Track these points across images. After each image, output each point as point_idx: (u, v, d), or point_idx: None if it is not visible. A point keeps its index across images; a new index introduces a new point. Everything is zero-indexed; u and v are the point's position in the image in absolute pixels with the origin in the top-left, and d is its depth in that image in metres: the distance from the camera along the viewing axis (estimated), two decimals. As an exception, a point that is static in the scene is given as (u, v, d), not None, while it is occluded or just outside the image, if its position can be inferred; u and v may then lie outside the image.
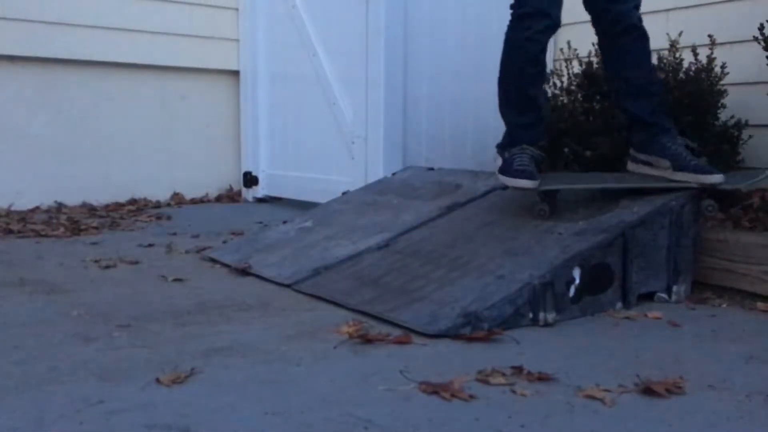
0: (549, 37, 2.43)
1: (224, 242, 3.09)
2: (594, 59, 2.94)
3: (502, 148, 2.51)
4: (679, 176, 2.30)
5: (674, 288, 2.18)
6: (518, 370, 1.56)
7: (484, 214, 2.55)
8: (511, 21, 2.43)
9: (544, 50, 2.43)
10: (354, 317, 1.99)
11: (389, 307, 2.00)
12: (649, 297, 2.17)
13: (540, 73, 2.48)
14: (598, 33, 2.53)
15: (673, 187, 2.27)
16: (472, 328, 1.82)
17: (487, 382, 1.51)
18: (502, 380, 1.52)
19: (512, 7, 2.42)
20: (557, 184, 2.42)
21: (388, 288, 2.14)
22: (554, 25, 2.39)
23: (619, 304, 2.09)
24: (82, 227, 3.41)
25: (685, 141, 2.42)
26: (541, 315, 1.93)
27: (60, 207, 3.94)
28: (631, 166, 2.54)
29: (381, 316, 1.97)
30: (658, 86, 2.52)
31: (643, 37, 2.46)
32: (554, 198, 2.39)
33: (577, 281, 2.00)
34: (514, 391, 1.47)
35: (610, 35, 2.48)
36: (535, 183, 2.32)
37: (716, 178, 2.24)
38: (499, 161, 2.48)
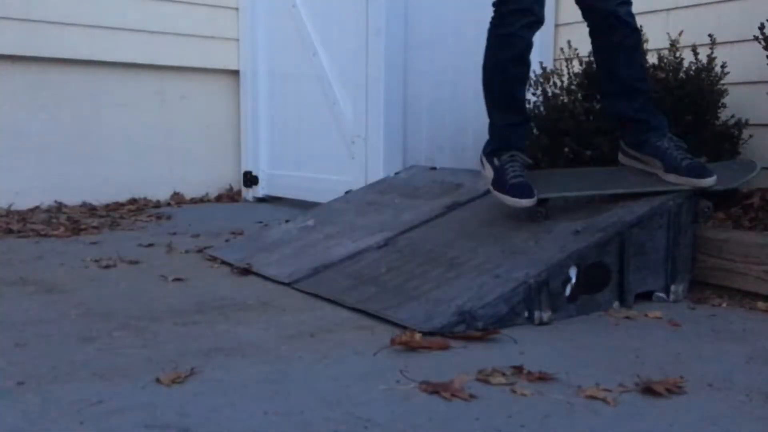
0: (533, 33, 2.37)
1: (226, 241, 3.10)
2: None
3: (490, 154, 2.44)
4: (672, 178, 2.28)
5: (672, 287, 2.18)
6: (518, 369, 1.56)
7: (483, 214, 2.55)
8: (493, 19, 2.40)
9: (528, 47, 2.37)
10: (352, 315, 1.99)
11: (386, 305, 2.01)
12: (647, 296, 2.17)
13: (525, 74, 2.44)
14: (588, 28, 2.49)
15: (666, 190, 2.26)
16: (466, 326, 1.83)
17: (487, 382, 1.51)
18: (502, 380, 1.51)
19: (494, 5, 2.39)
20: (552, 191, 2.39)
21: (387, 286, 2.15)
22: (537, 21, 2.33)
23: (616, 304, 2.09)
24: (82, 227, 3.41)
25: (677, 140, 2.40)
26: (537, 314, 1.93)
27: (60, 207, 3.95)
28: (622, 158, 2.52)
29: (378, 314, 1.98)
30: (647, 84, 2.48)
31: (632, 33, 2.40)
32: (547, 200, 2.38)
33: (574, 280, 2.00)
34: (514, 391, 1.46)
35: (598, 31, 2.44)
36: (533, 201, 2.26)
37: (708, 182, 2.22)
38: (489, 170, 2.42)
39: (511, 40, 2.35)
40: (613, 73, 2.46)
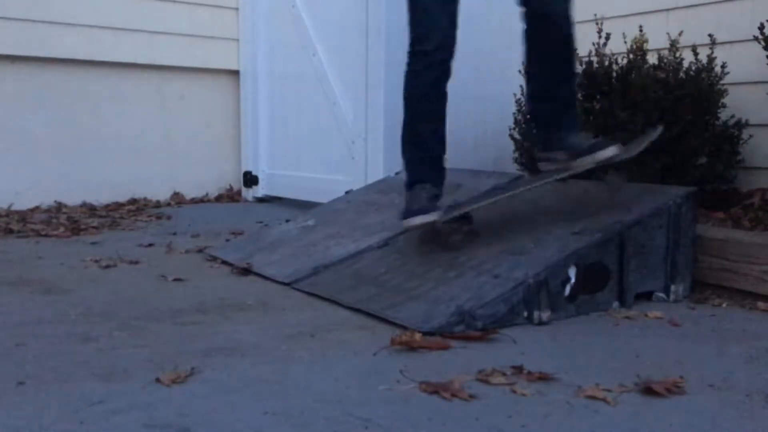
0: (439, 74, 2.33)
1: (227, 241, 3.10)
2: (594, 59, 2.94)
3: (404, 191, 2.41)
4: (577, 162, 2.29)
5: (672, 288, 2.18)
6: (519, 369, 1.56)
7: (483, 214, 2.54)
8: (408, 56, 2.39)
9: (435, 85, 2.34)
10: (352, 315, 1.99)
11: (386, 305, 2.01)
12: (647, 296, 2.17)
13: (432, 111, 2.37)
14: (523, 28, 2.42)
15: (572, 175, 2.30)
16: (466, 326, 1.83)
17: (487, 382, 1.51)
18: (502, 380, 1.51)
19: (410, 42, 2.38)
20: (455, 211, 2.34)
21: (386, 286, 2.15)
22: (444, 61, 2.31)
23: (615, 304, 2.09)
24: (82, 227, 3.41)
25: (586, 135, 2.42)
26: (536, 313, 1.93)
27: (60, 207, 3.94)
28: (541, 165, 2.49)
29: (377, 314, 1.98)
30: (568, 88, 2.44)
31: (559, 31, 2.33)
32: (470, 222, 2.35)
33: (573, 280, 2.00)
34: (514, 391, 1.46)
35: (529, 26, 2.37)
36: (428, 217, 2.22)
37: (610, 151, 2.25)
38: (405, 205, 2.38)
39: (415, 80, 2.35)
40: (533, 72, 2.44)
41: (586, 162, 2.28)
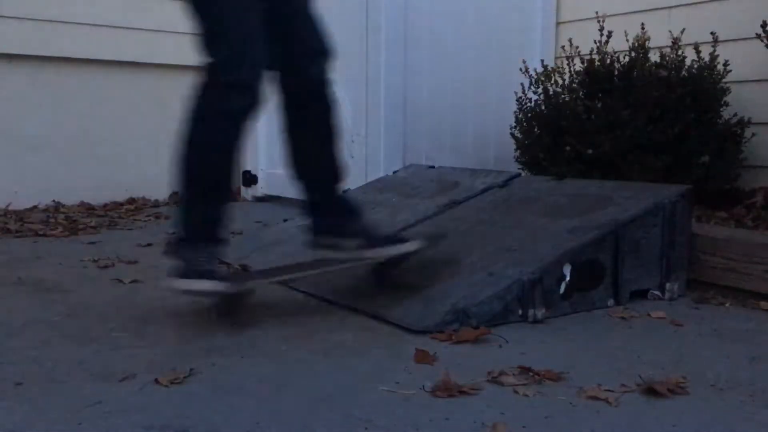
0: (251, 116, 1.89)
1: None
2: (596, 57, 2.93)
3: (176, 247, 1.94)
4: (372, 252, 2.03)
5: (668, 285, 2.18)
6: (520, 369, 1.55)
7: (480, 212, 2.55)
8: (205, 86, 1.86)
9: (244, 132, 1.91)
10: (352, 315, 1.98)
11: (381, 304, 2.01)
12: (642, 294, 2.16)
13: (234, 156, 1.95)
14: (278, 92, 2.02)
15: (359, 264, 2.06)
16: (460, 324, 1.83)
17: (488, 382, 1.50)
18: (503, 380, 1.50)
19: (206, 69, 1.84)
20: (249, 280, 2.12)
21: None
22: (256, 103, 1.87)
23: (611, 301, 2.09)
24: (81, 227, 3.40)
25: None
26: (531, 311, 1.93)
27: (58, 206, 3.93)
28: (315, 251, 2.13)
29: (373, 313, 1.97)
30: (338, 162, 2.09)
31: (331, 106, 2.03)
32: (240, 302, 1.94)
33: (568, 278, 2.00)
34: (516, 391, 1.45)
35: (293, 100, 2.02)
36: (223, 285, 1.86)
37: (413, 245, 2.04)
38: (174, 263, 1.91)
39: (227, 122, 1.88)
40: (305, 152, 2.08)
41: (386, 252, 2.02)
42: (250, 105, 1.87)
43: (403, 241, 2.08)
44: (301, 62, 2.00)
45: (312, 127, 2.05)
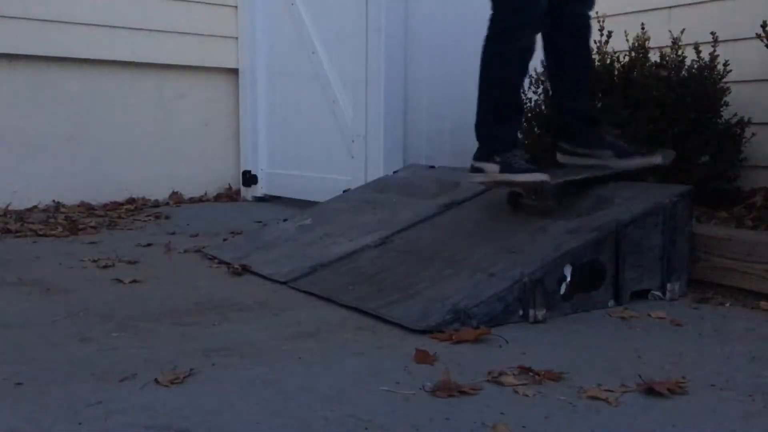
0: (534, 41, 2.42)
1: (224, 240, 3.08)
2: (596, 57, 2.92)
3: (487, 156, 2.40)
4: (624, 163, 2.41)
5: (669, 286, 2.18)
6: (520, 369, 1.55)
7: (480, 213, 2.55)
8: (494, 34, 2.38)
9: (532, 54, 2.43)
10: (351, 315, 1.98)
11: (381, 303, 2.01)
12: (643, 295, 2.16)
13: (524, 77, 2.52)
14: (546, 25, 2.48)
15: (618, 173, 2.40)
16: (461, 324, 1.83)
17: (488, 382, 1.50)
18: (503, 380, 1.50)
19: (493, 20, 2.37)
20: (559, 177, 2.40)
21: (382, 285, 2.14)
22: (538, 31, 2.40)
23: (611, 302, 2.09)
24: (80, 227, 3.40)
25: (607, 126, 2.54)
26: (531, 312, 1.93)
27: (58, 206, 3.93)
28: (563, 158, 2.59)
29: (373, 312, 1.97)
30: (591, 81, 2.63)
31: (589, 33, 2.52)
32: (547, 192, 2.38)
33: (569, 278, 2.00)
34: (516, 391, 1.45)
35: (558, 32, 2.48)
36: (547, 176, 2.28)
37: (657, 159, 2.39)
38: (490, 166, 2.38)
39: (520, 55, 2.37)
40: (570, 74, 2.56)
41: (636, 163, 2.40)
42: (534, 43, 2.40)
43: (646, 155, 2.41)
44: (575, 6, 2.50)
45: (582, 52, 2.54)
